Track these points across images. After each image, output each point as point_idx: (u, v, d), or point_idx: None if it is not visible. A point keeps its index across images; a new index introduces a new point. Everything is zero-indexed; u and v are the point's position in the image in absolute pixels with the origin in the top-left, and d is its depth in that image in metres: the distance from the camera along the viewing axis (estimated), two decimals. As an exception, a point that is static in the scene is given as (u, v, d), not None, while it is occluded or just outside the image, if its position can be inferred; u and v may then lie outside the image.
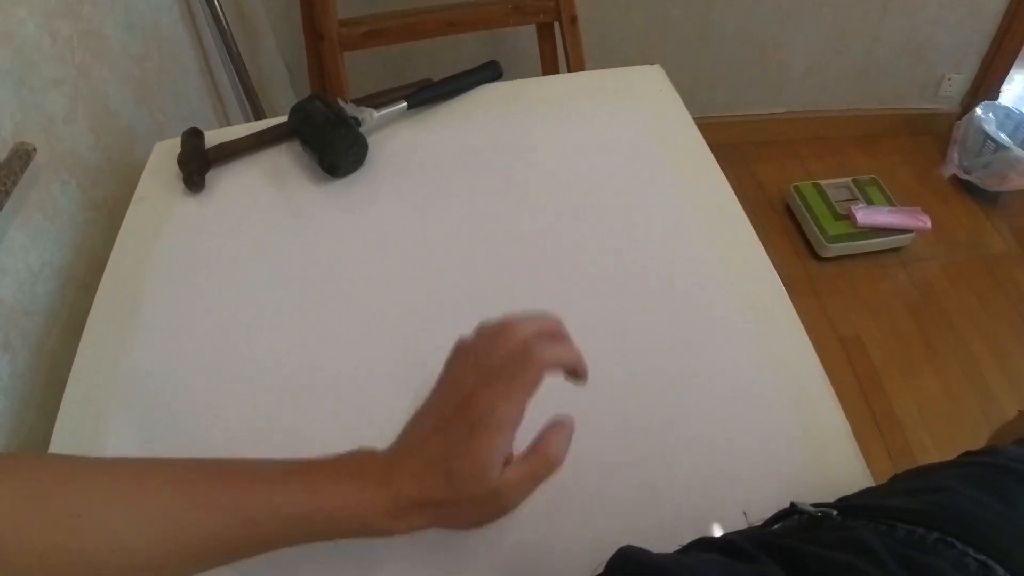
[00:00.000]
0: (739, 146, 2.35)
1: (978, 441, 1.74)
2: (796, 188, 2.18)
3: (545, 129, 0.94)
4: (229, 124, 0.95)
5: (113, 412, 0.70)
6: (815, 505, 0.47)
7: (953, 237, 2.20)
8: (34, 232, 0.87)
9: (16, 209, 0.85)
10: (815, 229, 2.08)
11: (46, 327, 0.87)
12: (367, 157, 0.89)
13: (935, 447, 1.75)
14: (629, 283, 0.75)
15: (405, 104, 0.93)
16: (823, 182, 2.18)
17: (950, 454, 1.76)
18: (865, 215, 2.05)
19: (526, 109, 0.97)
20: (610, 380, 0.66)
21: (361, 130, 0.87)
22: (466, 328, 0.56)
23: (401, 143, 0.93)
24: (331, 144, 0.85)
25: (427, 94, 0.95)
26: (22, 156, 0.84)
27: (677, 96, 0.99)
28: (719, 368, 0.68)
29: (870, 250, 2.09)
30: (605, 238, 0.80)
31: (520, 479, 0.45)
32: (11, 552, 0.41)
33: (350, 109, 0.88)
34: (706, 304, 0.73)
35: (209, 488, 0.44)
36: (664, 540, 0.51)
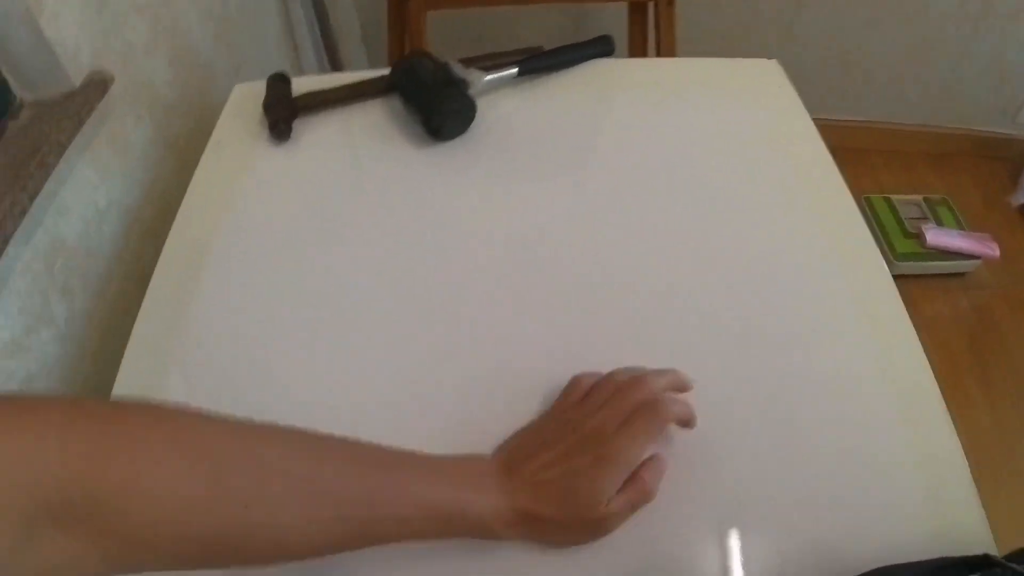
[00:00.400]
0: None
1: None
2: (868, 200, 2.09)
3: (656, 114, 0.87)
4: (302, 74, 0.87)
5: (175, 370, 0.65)
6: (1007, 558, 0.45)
7: (1018, 268, 2.10)
8: (103, 169, 0.81)
9: (87, 142, 0.79)
10: (884, 245, 2.00)
11: (107, 271, 0.81)
12: (475, 125, 0.83)
13: (982, 480, 1.67)
14: (735, 284, 0.69)
15: (515, 70, 0.86)
16: (894, 197, 2.09)
17: (998, 489, 1.69)
18: (935, 236, 1.96)
19: (637, 91, 0.90)
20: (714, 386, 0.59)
21: (469, 93, 0.80)
22: (556, 309, 0.65)
23: (507, 111, 0.86)
24: (439, 105, 0.78)
25: (538, 63, 0.88)
26: (99, 84, 0.78)
27: (796, 95, 0.92)
28: (829, 379, 0.62)
29: (935, 272, 2.01)
30: (711, 236, 0.73)
31: (622, 508, 0.50)
32: (171, 538, 0.39)
33: (458, 70, 0.81)
34: (818, 314, 0.67)
35: (378, 480, 0.46)
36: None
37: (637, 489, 0.50)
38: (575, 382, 0.58)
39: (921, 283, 2.02)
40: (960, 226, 2.04)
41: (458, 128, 0.81)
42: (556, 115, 0.86)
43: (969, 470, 0.57)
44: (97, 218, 0.79)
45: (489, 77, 0.83)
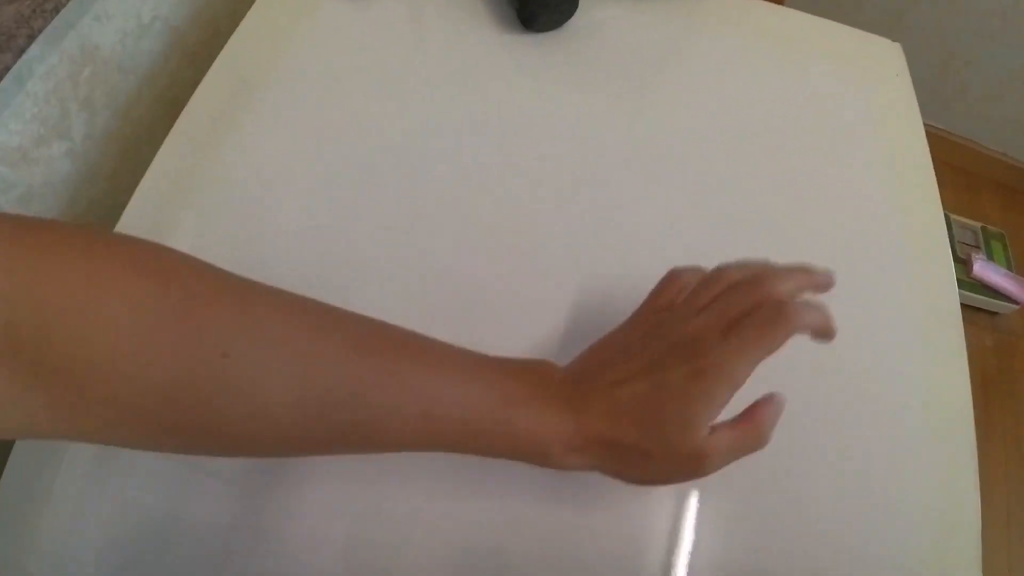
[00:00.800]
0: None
1: (994, 529, 1.66)
2: (926, 213, 2.00)
3: (759, 64, 0.79)
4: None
5: (189, 212, 0.59)
6: None
7: (1051, 326, 2.04)
8: (156, -23, 0.73)
9: (144, -58, 0.70)
10: (929, 262, 1.93)
11: (138, 90, 0.74)
12: (570, 25, 0.75)
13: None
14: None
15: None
16: (954, 216, 2.01)
17: None
18: (982, 268, 1.90)
19: (748, 34, 0.81)
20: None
21: (575, -7, 0.73)
22: (615, 239, 0.59)
23: (607, 16, 0.77)
24: None
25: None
26: None
27: (912, 89, 0.83)
28: (865, 393, 0.57)
29: (971, 304, 1.95)
30: (782, 208, 0.67)
31: (727, 446, 0.38)
32: (129, 379, 0.31)
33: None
34: (874, 328, 0.61)
35: (399, 364, 0.37)
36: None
37: (749, 428, 0.39)
38: (672, 275, 0.47)
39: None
40: (1009, 266, 1.97)
41: (553, 21, 0.73)
42: (657, 35, 0.78)
43: (979, 529, 0.54)
44: (137, 32, 0.71)
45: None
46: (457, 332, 0.54)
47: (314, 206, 0.60)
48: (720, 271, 0.43)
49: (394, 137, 0.65)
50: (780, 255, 0.62)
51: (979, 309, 1.98)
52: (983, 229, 2.00)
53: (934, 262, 0.67)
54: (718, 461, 0.38)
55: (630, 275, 0.60)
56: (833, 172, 0.71)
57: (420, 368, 0.38)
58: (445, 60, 0.72)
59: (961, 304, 1.92)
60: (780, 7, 0.87)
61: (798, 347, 0.57)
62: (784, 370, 0.55)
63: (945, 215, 2.00)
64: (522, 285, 0.58)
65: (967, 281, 1.91)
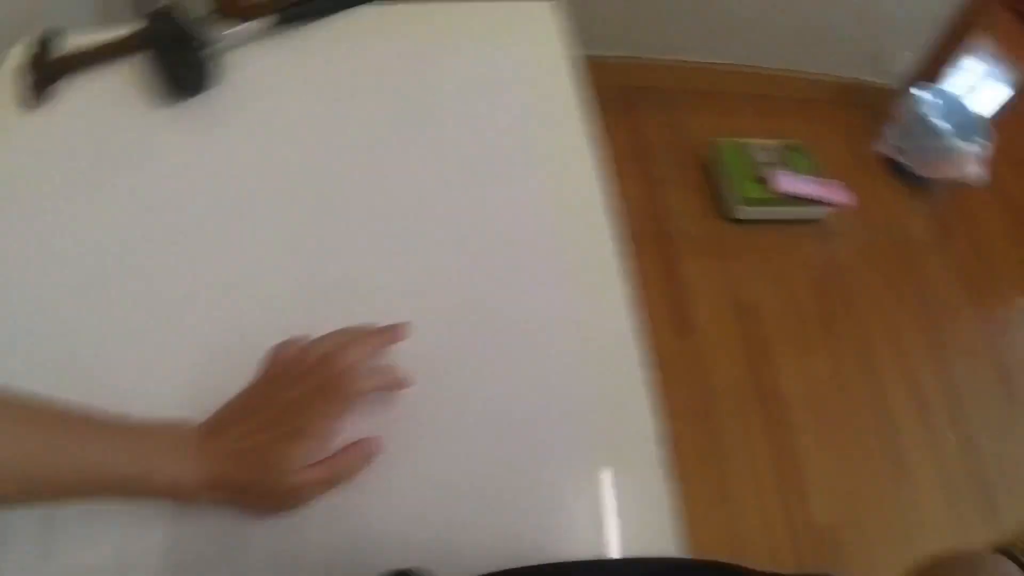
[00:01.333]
0: (668, 92, 2.19)
1: (860, 426, 1.77)
2: (715, 144, 2.10)
3: (417, 64, 0.88)
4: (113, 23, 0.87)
5: None
6: None
7: (873, 217, 2.17)
8: None
9: None
10: (730, 189, 2.04)
11: None
12: (225, 77, 0.83)
13: (816, 427, 1.75)
14: (458, 244, 0.73)
15: (271, 21, 0.86)
16: (748, 141, 2.11)
17: (829, 436, 1.75)
18: (786, 181, 2.00)
19: (400, 38, 0.91)
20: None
21: (215, 47, 0.81)
22: (286, 272, 0.67)
23: (265, 65, 0.86)
24: (174, 63, 0.79)
25: (296, 12, 0.88)
26: None
27: (562, 43, 0.92)
28: (531, 349, 0.66)
29: (784, 218, 2.06)
30: (446, 195, 0.76)
31: (309, 482, 0.54)
32: None
33: (197, 23, 0.81)
34: (537, 285, 0.70)
35: (66, 439, 0.49)
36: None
37: (329, 466, 0.54)
38: (278, 350, 0.60)
39: (771, 229, 2.08)
40: (814, 173, 2.07)
41: (193, 86, 0.81)
42: (314, 68, 0.87)
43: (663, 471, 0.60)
44: None
45: (233, 30, 0.84)
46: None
47: (36, 306, 0.67)
48: (313, 344, 0.59)
49: (84, 226, 0.72)
50: (461, 231, 0.73)
51: (801, 222, 2.09)
52: (781, 145, 2.11)
53: (583, 194, 0.77)
54: (310, 493, 0.55)
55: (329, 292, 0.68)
56: (495, 138, 0.80)
57: (74, 440, 0.49)
58: (123, 147, 0.79)
59: (779, 220, 2.04)
60: (436, 4, 0.95)
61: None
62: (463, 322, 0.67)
63: (736, 142, 2.13)
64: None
65: (773, 198, 2.00)
